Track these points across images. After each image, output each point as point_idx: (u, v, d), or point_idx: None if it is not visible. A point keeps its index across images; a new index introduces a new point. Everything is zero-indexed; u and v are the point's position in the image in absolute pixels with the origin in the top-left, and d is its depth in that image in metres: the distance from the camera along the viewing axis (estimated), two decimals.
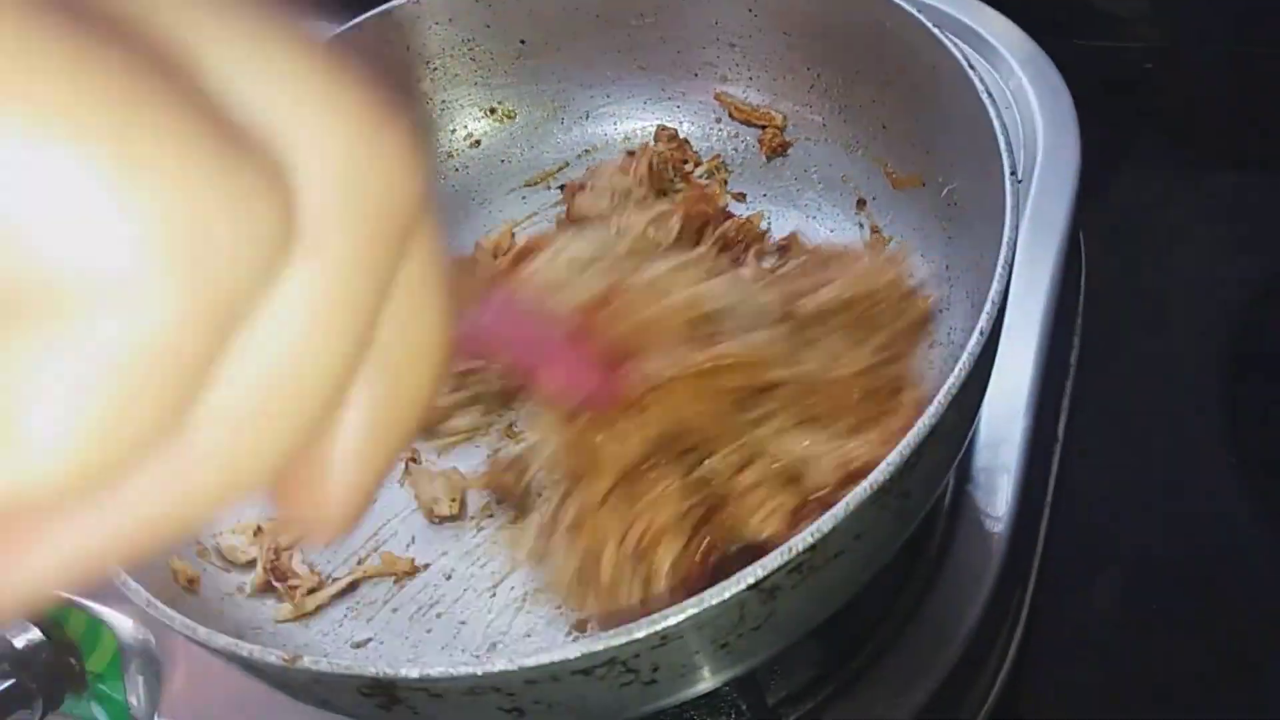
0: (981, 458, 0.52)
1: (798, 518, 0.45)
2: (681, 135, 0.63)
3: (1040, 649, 0.52)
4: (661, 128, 0.63)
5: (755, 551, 0.44)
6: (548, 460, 0.47)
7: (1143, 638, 0.56)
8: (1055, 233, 0.59)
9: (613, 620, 0.45)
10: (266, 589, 0.51)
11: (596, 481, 0.45)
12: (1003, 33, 0.65)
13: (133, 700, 0.57)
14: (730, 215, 0.59)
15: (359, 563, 0.51)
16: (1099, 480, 0.60)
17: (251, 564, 0.52)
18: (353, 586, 0.51)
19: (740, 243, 0.58)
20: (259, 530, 0.53)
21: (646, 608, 0.43)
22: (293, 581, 0.51)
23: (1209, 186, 0.68)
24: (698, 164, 0.62)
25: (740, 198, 0.61)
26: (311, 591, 0.50)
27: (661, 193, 0.60)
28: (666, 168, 0.61)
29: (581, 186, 0.62)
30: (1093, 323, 0.64)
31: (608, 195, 0.59)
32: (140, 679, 0.56)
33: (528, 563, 0.49)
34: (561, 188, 0.64)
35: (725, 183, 0.62)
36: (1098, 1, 0.76)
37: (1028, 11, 0.67)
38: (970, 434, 0.43)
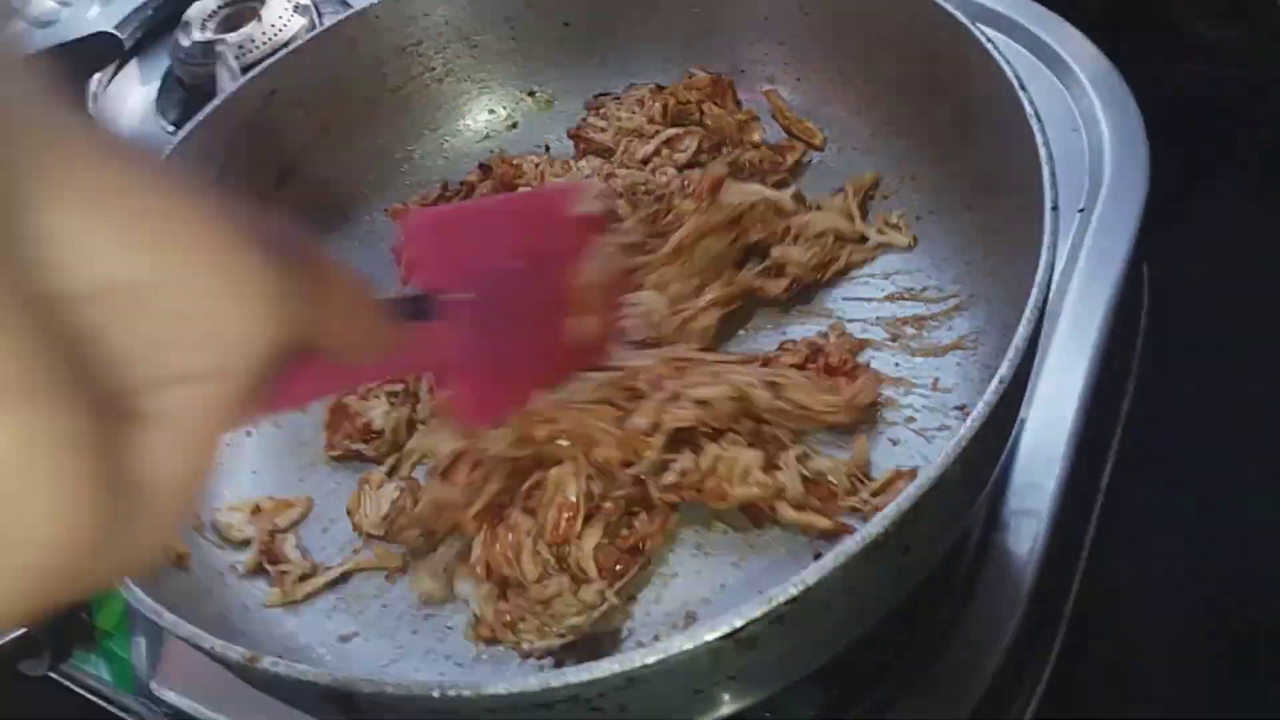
0: (1013, 503, 0.49)
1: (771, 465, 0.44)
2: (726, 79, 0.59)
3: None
4: (704, 71, 0.59)
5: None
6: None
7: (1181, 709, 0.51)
8: (1115, 263, 0.54)
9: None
10: (258, 571, 0.50)
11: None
12: (1079, 51, 0.61)
13: (135, 661, 0.57)
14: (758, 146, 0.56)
15: (354, 552, 0.50)
16: (1144, 537, 0.56)
17: (246, 543, 0.51)
18: (344, 577, 0.49)
19: (760, 171, 0.55)
20: (257, 509, 0.52)
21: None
22: (284, 566, 0.49)
23: None
24: (733, 113, 0.59)
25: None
26: (303, 578, 0.49)
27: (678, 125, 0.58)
28: (691, 107, 0.58)
29: (599, 108, 0.60)
30: (1151, 364, 0.59)
31: (614, 129, 0.57)
32: (143, 640, 0.56)
33: (424, 602, 0.47)
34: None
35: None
36: (1191, 25, 0.71)
37: (1114, 33, 0.63)
38: (986, 488, 0.39)
